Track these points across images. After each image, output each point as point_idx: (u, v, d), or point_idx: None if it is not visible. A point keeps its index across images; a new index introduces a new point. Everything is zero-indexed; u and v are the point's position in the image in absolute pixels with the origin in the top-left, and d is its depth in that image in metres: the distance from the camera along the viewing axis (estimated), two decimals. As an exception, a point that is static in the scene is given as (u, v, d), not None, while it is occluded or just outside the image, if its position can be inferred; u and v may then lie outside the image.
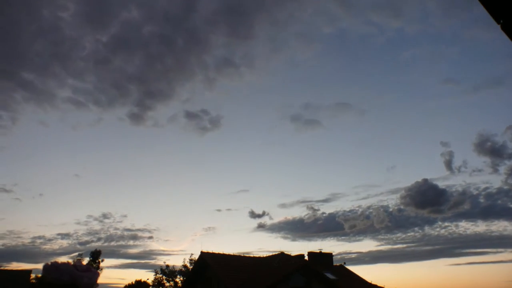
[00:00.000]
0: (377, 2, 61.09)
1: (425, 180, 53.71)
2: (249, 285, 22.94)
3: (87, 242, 65.33)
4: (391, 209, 59.33)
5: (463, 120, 70.14)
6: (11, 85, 65.76)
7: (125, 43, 61.38)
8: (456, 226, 56.28)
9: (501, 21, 1.90)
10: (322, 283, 23.68)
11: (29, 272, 30.72)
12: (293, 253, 28.25)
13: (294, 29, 67.75)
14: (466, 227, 56.51)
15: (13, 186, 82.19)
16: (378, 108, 76.09)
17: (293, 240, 63.37)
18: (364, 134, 76.39)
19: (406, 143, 76.72)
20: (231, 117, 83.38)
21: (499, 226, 56.54)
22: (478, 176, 75.13)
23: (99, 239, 66.85)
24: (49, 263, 1.84)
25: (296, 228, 64.38)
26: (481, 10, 1.91)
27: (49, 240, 73.48)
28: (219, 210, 73.45)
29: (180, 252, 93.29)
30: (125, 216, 78.53)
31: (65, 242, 76.75)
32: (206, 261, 25.62)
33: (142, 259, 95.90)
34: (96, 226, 78.02)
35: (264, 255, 29.38)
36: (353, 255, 58.07)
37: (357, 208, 63.23)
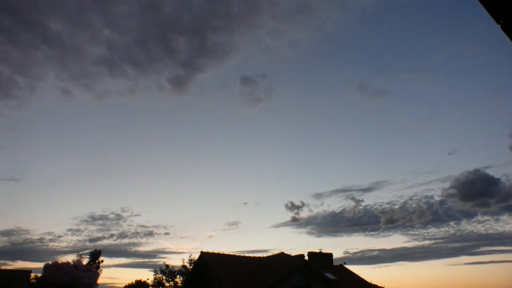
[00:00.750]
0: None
1: (477, 170, 50.72)
2: (249, 285, 22.94)
3: (98, 239, 63.11)
4: (433, 201, 55.20)
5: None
6: (33, 41, 56.34)
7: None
8: (497, 220, 51.82)
9: (501, 21, 1.90)
10: (322, 283, 23.67)
11: (29, 272, 30.76)
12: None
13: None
14: (508, 221, 51.44)
15: (23, 173, 76.39)
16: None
17: (318, 236, 60.47)
18: (419, 113, 69.64)
19: (469, 125, 66.87)
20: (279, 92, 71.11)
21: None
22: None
23: (111, 236, 64.71)
24: (50, 263, 1.84)
25: (325, 222, 61.28)
26: (481, 10, 1.91)
27: (59, 236, 71.51)
28: (245, 203, 69.07)
29: (193, 250, 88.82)
30: (141, 211, 75.54)
31: (75, 239, 73.26)
32: (206, 261, 25.62)
33: (153, 258, 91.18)
34: (110, 221, 72.02)
35: (264, 255, 29.41)
36: (374, 253, 55.53)
37: (397, 199, 59.13)
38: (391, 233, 57.84)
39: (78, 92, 68.66)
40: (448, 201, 54.12)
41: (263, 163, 79.03)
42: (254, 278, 23.83)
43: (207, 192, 79.35)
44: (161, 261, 77.22)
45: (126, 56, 61.38)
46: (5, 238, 64.33)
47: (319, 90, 72.92)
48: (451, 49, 63.37)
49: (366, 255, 56.60)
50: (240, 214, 79.57)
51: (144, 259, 79.06)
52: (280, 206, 78.91)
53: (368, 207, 58.46)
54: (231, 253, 27.78)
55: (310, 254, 28.61)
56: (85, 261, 44.05)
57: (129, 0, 56.60)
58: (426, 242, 55.84)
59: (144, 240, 71.72)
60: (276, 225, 65.46)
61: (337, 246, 64.33)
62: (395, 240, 62.93)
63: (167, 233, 70.89)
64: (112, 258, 71.11)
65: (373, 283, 28.00)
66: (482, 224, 52.44)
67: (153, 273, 48.51)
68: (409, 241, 58.59)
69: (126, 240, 69.89)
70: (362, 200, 61.64)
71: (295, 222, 59.79)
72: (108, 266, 66.66)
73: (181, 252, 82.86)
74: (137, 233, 68.65)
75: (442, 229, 54.49)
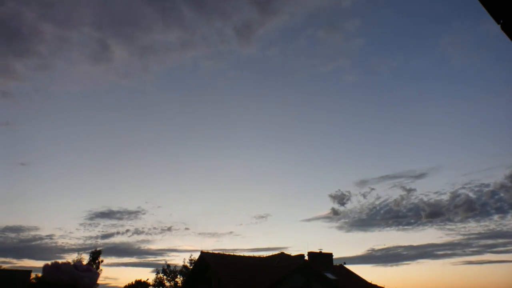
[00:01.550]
0: None
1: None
2: (249, 285, 22.94)
3: (111, 235, 60.55)
4: (486, 190, 48.69)
5: None
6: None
7: None
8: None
9: (501, 21, 1.91)
10: (322, 283, 23.68)
11: (29, 272, 30.75)
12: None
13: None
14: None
15: (35, 158, 72.37)
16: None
17: (348, 231, 57.28)
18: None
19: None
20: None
21: None
22: None
23: (126, 231, 61.80)
24: (49, 263, 1.84)
25: (360, 215, 56.65)
26: (481, 10, 1.91)
27: (70, 232, 68.39)
28: (274, 196, 66.31)
29: (209, 247, 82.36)
30: (161, 205, 71.50)
31: (87, 235, 70.80)
32: (206, 261, 25.62)
33: (166, 256, 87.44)
34: (128, 214, 66.49)
35: (264, 255, 29.40)
36: (399, 250, 52.79)
37: (448, 188, 55.46)
38: (426, 227, 53.19)
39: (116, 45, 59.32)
40: (500, 192, 47.60)
41: (301, 148, 71.37)
42: (254, 278, 23.83)
43: (235, 183, 74.25)
44: (173, 259, 76.11)
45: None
46: (13, 235, 62.59)
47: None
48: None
49: (390, 252, 53.80)
50: (270, 207, 74.50)
51: (157, 257, 77.28)
52: (320, 197, 73.97)
53: (413, 197, 54.26)
54: (231, 253, 27.81)
55: (310, 254, 28.63)
56: (85, 261, 44.07)
57: None
58: (457, 238, 51.80)
59: (159, 237, 68.40)
60: (308, 219, 62.32)
61: (364, 242, 61.03)
62: (427, 236, 58.21)
63: (187, 228, 67.46)
64: (123, 257, 68.73)
65: (373, 283, 28.02)
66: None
67: (154, 273, 48.64)
68: (441, 237, 55.47)
69: (141, 237, 66.07)
70: (413, 190, 55.56)
71: (336, 215, 55.95)
72: (117, 265, 63.16)
73: (196, 250, 77.38)
74: (154, 228, 65.78)
75: (482, 223, 49.24)
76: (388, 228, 55.02)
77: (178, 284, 45.60)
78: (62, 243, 60.30)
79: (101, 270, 45.88)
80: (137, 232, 62.64)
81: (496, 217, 48.24)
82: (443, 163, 68.34)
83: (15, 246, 55.90)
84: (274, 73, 67.77)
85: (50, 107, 68.39)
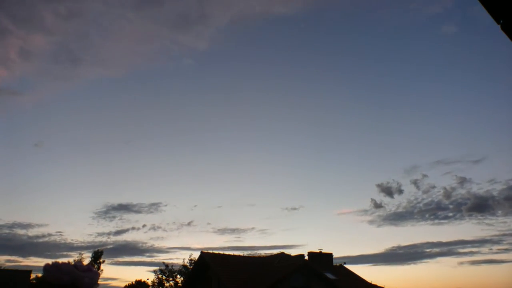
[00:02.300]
0: None
1: None
2: (249, 285, 22.94)
3: (124, 231, 58.49)
4: None
5: None
6: None
7: None
8: None
9: (501, 21, 1.91)
10: (322, 283, 23.68)
11: (29, 272, 30.74)
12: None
13: None
14: None
15: (49, 139, 69.13)
16: None
17: (379, 225, 53.97)
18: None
19: None
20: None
21: None
22: None
23: (142, 227, 59.23)
24: (50, 263, 1.84)
25: (397, 209, 53.35)
26: (481, 10, 1.91)
27: (82, 228, 68.34)
28: (305, 188, 62.37)
29: (223, 245, 70.07)
30: (181, 200, 70.09)
31: (99, 230, 69.53)
32: (206, 261, 25.62)
33: (180, 254, 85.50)
34: (147, 207, 62.30)
35: (264, 254, 29.40)
36: (424, 248, 49.87)
37: (506, 176, 50.08)
38: (463, 222, 49.73)
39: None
40: None
41: (341, 133, 65.76)
42: (254, 278, 23.84)
43: (266, 174, 68.82)
44: (185, 258, 73.82)
45: None
46: (22, 232, 60.74)
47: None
48: None
49: (412, 250, 51.32)
50: (303, 199, 69.24)
51: (170, 254, 74.48)
52: (363, 187, 68.67)
53: (463, 186, 50.62)
54: (231, 253, 27.81)
55: (310, 254, 28.62)
56: (86, 261, 44.04)
57: None
58: (490, 234, 50.12)
59: (175, 233, 64.75)
60: (341, 213, 60.10)
61: (390, 238, 58.86)
62: (461, 231, 55.40)
63: (208, 223, 65.23)
64: (133, 256, 66.50)
65: (373, 283, 28.01)
66: None
67: (154, 273, 48.42)
68: (474, 233, 53.70)
69: (157, 233, 63.51)
70: (466, 178, 52.24)
71: (377, 207, 52.80)
72: (127, 264, 61.34)
73: (210, 248, 77.89)
74: (174, 223, 62.65)
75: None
76: (423, 222, 51.40)
77: (178, 284, 45.55)
78: (72, 240, 58.81)
79: (102, 270, 45.89)
80: (154, 228, 59.77)
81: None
82: (505, 147, 59.15)
83: (23, 243, 54.34)
84: (316, 55, 64.13)
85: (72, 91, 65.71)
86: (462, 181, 50.77)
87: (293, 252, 28.36)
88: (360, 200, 69.35)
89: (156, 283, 47.15)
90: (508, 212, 45.26)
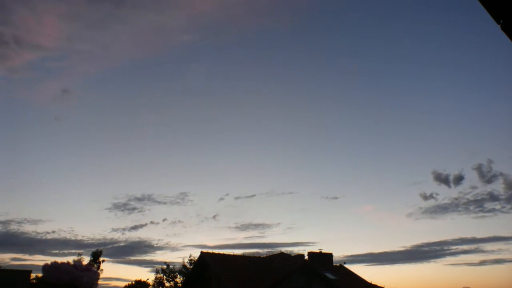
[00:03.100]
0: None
1: None
2: (249, 285, 22.94)
3: (140, 226, 55.32)
4: None
5: None
6: None
7: None
8: None
9: (501, 21, 1.90)
10: (322, 283, 23.68)
11: (29, 272, 30.73)
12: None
13: None
14: None
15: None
16: None
17: (416, 219, 51.38)
18: None
19: None
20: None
21: None
22: None
23: (163, 221, 56.85)
24: (49, 263, 1.84)
25: (444, 199, 49.98)
26: (481, 10, 1.91)
27: (96, 223, 63.16)
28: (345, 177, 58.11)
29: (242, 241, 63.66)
30: (206, 192, 64.79)
31: (115, 226, 63.81)
32: (206, 261, 25.63)
33: (192, 251, 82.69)
34: (173, 198, 59.29)
35: (263, 254, 29.41)
36: (449, 244, 47.61)
37: None
38: (509, 214, 45.08)
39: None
40: None
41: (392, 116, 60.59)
42: (254, 278, 23.84)
43: (304, 161, 63.32)
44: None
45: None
46: (31, 228, 58.14)
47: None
48: None
49: (432, 248, 48.82)
50: (344, 188, 63.19)
51: (184, 252, 69.31)
52: (413, 176, 63.95)
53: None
54: (232, 253, 27.82)
55: (310, 254, 28.62)
56: (85, 261, 44.01)
57: None
58: None
59: (194, 229, 60.65)
60: (379, 206, 57.60)
61: (425, 233, 56.88)
62: (504, 226, 50.96)
63: (234, 217, 62.27)
64: (145, 255, 62.97)
65: (373, 283, 28.01)
66: None
67: (154, 273, 48.36)
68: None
69: (176, 229, 59.48)
70: None
71: (425, 199, 48.78)
72: (136, 264, 58.92)
73: (225, 247, 65.63)
74: (197, 216, 59.15)
75: None
76: (465, 215, 47.61)
77: (178, 284, 45.56)
78: (83, 237, 55.16)
79: (102, 270, 45.86)
80: (174, 222, 57.23)
81: None
82: None
83: (31, 240, 51.49)
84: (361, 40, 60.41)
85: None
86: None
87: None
88: (406, 189, 62.74)
89: (155, 283, 47.20)
90: None
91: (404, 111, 61.41)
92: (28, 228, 58.97)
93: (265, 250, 53.70)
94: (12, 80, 56.63)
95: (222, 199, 60.32)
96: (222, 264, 24.99)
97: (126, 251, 61.23)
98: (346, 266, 30.40)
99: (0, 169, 60.60)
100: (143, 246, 56.94)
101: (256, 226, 55.45)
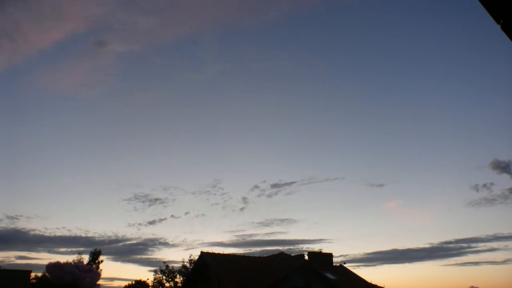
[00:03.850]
0: None
1: None
2: (249, 285, 22.95)
3: (159, 221, 52.69)
4: None
5: None
6: None
7: None
8: None
9: (501, 21, 1.91)
10: (322, 283, 23.69)
11: (29, 272, 30.78)
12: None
13: None
14: None
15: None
16: None
17: (455, 212, 50.92)
18: None
19: None
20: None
21: None
22: None
23: (185, 214, 54.02)
24: (52, 263, 1.85)
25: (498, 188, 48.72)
26: (481, 10, 1.92)
27: (111, 218, 60.36)
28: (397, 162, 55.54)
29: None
30: (240, 178, 62.14)
31: (129, 221, 61.97)
32: (206, 261, 25.63)
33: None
34: (200, 189, 58.06)
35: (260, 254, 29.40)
36: (479, 240, 46.80)
37: None
38: None
39: None
40: None
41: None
42: (254, 278, 23.85)
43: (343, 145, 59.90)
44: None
45: None
46: (41, 224, 56.84)
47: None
48: None
49: (459, 245, 47.98)
50: (393, 175, 61.12)
51: (197, 250, 63.48)
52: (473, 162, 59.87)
53: None
54: (232, 253, 27.83)
55: (310, 254, 28.65)
56: (85, 261, 44.01)
57: None
58: None
59: (215, 224, 58.97)
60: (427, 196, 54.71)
61: (458, 228, 55.31)
62: None
63: (262, 209, 56.97)
64: (163, 251, 59.49)
65: (373, 283, 28.03)
66: None
67: (153, 273, 48.16)
68: None
69: (194, 225, 56.55)
70: None
71: (476, 190, 46.74)
72: (147, 263, 59.44)
73: (247, 243, 62.63)
74: (222, 209, 56.11)
75: None
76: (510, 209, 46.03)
77: (178, 285, 45.55)
78: (95, 233, 53.53)
79: (101, 270, 45.85)
80: (197, 216, 52.88)
81: None
82: None
83: (39, 237, 50.59)
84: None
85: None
86: None
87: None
88: (455, 179, 60.91)
89: (155, 283, 47.16)
90: None
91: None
92: (37, 224, 57.47)
93: (286, 247, 51.47)
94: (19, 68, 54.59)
95: (257, 186, 56.73)
96: (222, 264, 24.99)
97: (138, 250, 59.11)
98: (346, 265, 30.43)
99: (11, 163, 59.11)
100: (157, 244, 54.66)
101: (282, 221, 53.17)
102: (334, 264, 29.44)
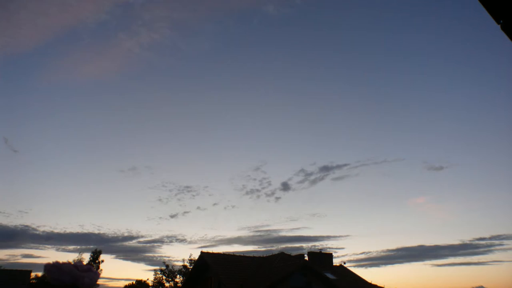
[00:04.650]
0: None
1: None
2: (249, 285, 22.95)
3: (183, 214, 50.58)
4: None
5: None
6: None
7: None
8: None
9: (501, 21, 1.91)
10: (322, 283, 23.68)
11: (29, 272, 30.71)
12: None
13: None
14: None
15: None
16: None
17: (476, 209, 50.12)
18: None
19: None
20: None
21: None
22: None
23: (213, 205, 50.48)
24: (51, 263, 1.84)
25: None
26: (481, 10, 1.91)
27: (132, 212, 55.87)
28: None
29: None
30: (284, 162, 58.35)
31: (149, 215, 57.15)
32: (206, 261, 25.63)
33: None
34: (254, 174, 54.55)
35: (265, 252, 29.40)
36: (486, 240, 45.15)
37: None
38: None
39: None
40: None
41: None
42: (254, 278, 23.85)
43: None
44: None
45: None
46: (51, 220, 54.59)
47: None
48: None
49: (474, 243, 46.77)
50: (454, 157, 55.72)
51: (213, 248, 60.19)
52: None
53: None
54: (231, 253, 27.82)
55: (310, 254, 28.64)
56: (85, 261, 43.92)
57: None
58: None
59: (243, 216, 55.75)
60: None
61: (487, 226, 53.90)
62: None
63: (300, 201, 54.52)
64: (180, 247, 56.23)
65: (372, 283, 28.02)
66: None
67: (153, 273, 47.99)
68: None
69: (219, 218, 54.21)
70: None
71: None
72: (155, 263, 56.78)
73: (274, 240, 56.12)
74: (257, 198, 51.70)
75: None
76: None
77: (178, 285, 45.54)
78: (109, 229, 50.14)
79: (102, 270, 45.78)
80: (226, 207, 48.88)
81: None
82: None
83: (48, 233, 48.98)
84: None
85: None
86: None
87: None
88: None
89: (155, 283, 47.13)
90: None
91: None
92: (48, 220, 55.54)
93: (310, 244, 49.04)
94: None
95: (303, 170, 51.90)
96: (222, 264, 24.99)
97: (151, 248, 56.68)
98: (346, 266, 30.43)
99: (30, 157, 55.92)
100: (174, 241, 52.04)
101: (312, 215, 50.73)
102: (334, 264, 29.46)
